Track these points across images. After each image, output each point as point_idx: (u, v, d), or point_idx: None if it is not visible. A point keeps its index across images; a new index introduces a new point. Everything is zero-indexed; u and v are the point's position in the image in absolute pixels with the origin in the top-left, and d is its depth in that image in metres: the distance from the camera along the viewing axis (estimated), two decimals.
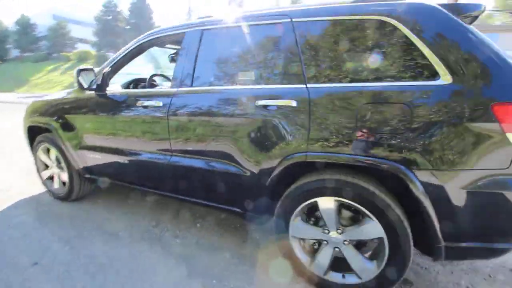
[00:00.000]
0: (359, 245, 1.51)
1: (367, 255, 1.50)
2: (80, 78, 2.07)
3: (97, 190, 2.91)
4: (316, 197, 1.46)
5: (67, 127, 2.40)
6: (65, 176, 2.64)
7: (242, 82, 1.67)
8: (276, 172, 1.52)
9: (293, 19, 1.53)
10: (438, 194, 1.23)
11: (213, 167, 1.75)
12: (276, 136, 1.50)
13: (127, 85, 2.52)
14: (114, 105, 2.13)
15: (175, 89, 1.84)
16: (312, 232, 1.55)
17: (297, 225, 1.57)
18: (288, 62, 1.52)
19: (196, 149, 1.77)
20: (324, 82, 1.42)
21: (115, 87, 2.35)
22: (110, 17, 32.71)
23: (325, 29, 1.46)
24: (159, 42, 2.10)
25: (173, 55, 2.77)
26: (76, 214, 2.52)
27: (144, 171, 2.09)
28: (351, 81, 1.37)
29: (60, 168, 2.70)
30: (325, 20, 1.47)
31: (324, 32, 1.46)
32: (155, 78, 2.71)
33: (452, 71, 1.21)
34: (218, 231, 2.25)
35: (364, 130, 1.30)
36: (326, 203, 1.45)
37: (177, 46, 2.60)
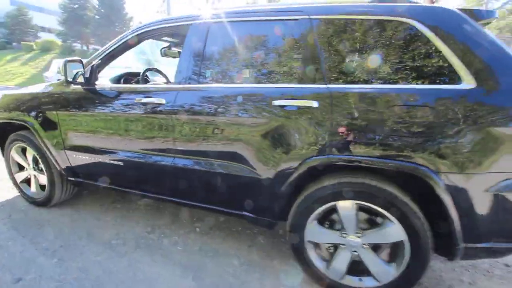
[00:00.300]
0: (375, 248, 1.49)
1: (383, 257, 1.49)
2: (67, 70, 1.85)
3: (78, 194, 2.66)
4: (335, 200, 1.42)
5: (48, 124, 2.15)
6: (44, 179, 2.38)
7: (256, 80, 1.58)
8: (294, 175, 1.46)
9: (311, 16, 1.47)
10: (462, 197, 1.24)
11: (222, 170, 1.64)
12: (294, 138, 1.44)
13: (117, 80, 2.31)
14: (106, 101, 1.93)
15: (180, 86, 1.70)
16: (329, 236, 1.52)
17: (314, 230, 1.52)
18: (307, 60, 1.46)
19: (203, 151, 1.65)
20: (345, 83, 1.38)
21: (104, 81, 2.15)
22: (77, 5, 30.58)
23: (346, 29, 1.41)
24: (157, 33, 1.94)
25: (165, 49, 2.60)
26: (59, 221, 2.28)
27: (142, 174, 1.93)
28: (373, 83, 1.35)
29: (38, 169, 2.43)
30: (346, 19, 1.42)
31: (345, 32, 1.41)
32: (147, 73, 2.51)
33: (475, 75, 1.22)
34: (220, 235, 2.15)
35: (389, 133, 1.28)
36: (346, 207, 1.42)
37: (173, 40, 2.45)
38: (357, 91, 1.34)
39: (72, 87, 2.06)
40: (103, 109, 1.93)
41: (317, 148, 1.39)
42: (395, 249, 1.44)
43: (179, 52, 2.71)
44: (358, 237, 1.45)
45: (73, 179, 2.26)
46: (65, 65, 1.83)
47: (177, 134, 1.69)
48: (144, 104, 1.77)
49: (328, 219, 1.56)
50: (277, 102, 1.45)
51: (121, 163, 1.94)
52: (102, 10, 30.72)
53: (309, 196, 1.47)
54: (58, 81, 2.24)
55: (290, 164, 1.46)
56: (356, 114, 1.32)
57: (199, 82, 1.67)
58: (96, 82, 2.02)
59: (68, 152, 2.14)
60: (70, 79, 1.89)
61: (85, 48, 31.48)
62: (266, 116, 1.48)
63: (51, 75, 18.24)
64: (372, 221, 1.48)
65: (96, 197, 2.72)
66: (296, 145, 1.44)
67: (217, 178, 1.66)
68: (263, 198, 1.60)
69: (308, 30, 1.46)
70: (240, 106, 1.53)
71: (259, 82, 1.57)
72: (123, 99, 1.88)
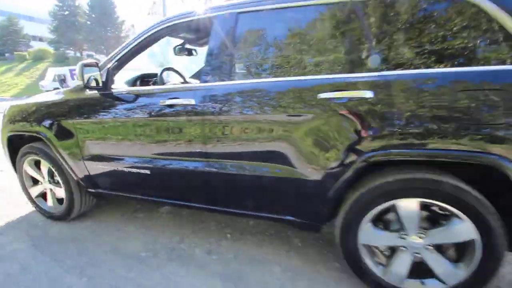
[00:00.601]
0: (438, 248, 1.37)
1: (448, 258, 1.37)
2: (85, 74, 1.70)
3: (96, 205, 2.52)
4: (396, 198, 1.30)
5: (64, 134, 2.01)
6: (61, 192, 2.25)
7: (297, 72, 1.45)
8: (347, 174, 1.33)
9: None
10: None
11: (263, 173, 1.51)
12: (347, 134, 1.31)
13: (133, 82, 2.16)
14: (127, 106, 1.79)
15: (210, 84, 1.57)
16: (387, 238, 1.40)
17: (369, 232, 1.40)
18: (355, 46, 1.32)
19: (241, 153, 1.52)
20: (403, 69, 1.24)
21: (119, 85, 2.01)
22: (67, 12, 30.21)
23: (398, 8, 1.28)
24: (177, 29, 1.80)
25: (179, 47, 2.46)
26: (80, 236, 2.15)
27: (171, 181, 1.79)
28: (435, 67, 1.21)
29: (54, 182, 2.29)
30: None
31: (397, 12, 1.28)
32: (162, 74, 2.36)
33: None
34: (253, 240, 2.03)
35: (458, 122, 1.15)
36: (408, 205, 1.30)
37: (189, 36, 2.30)
38: (418, 77, 1.20)
39: (87, 93, 1.92)
40: (124, 114, 1.79)
41: (374, 143, 1.26)
42: (462, 248, 1.32)
43: (190, 50, 2.57)
44: (421, 237, 1.33)
45: (93, 190, 2.12)
46: (81, 69, 1.69)
47: (210, 136, 1.56)
48: (170, 106, 1.63)
49: (382, 220, 1.44)
50: (323, 95, 1.32)
51: (147, 171, 1.80)
52: (93, 15, 30.39)
53: (364, 195, 1.34)
54: (66, 88, 2.10)
55: (342, 163, 1.33)
56: (419, 103, 1.18)
57: (232, 78, 1.54)
58: (113, 86, 1.89)
59: (87, 162, 2.01)
60: (88, 84, 1.74)
61: (78, 54, 31.19)
62: (311, 111, 1.34)
63: (47, 83, 18.03)
64: (433, 220, 1.36)
65: (114, 206, 2.59)
66: (349, 142, 1.30)
67: (257, 182, 1.53)
68: (310, 200, 1.47)
69: (353, 12, 1.32)
70: (281, 101, 1.40)
71: (301, 74, 1.43)
72: (145, 102, 1.74)
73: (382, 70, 1.27)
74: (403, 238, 1.36)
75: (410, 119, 1.20)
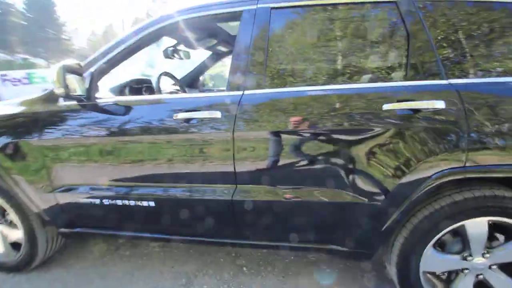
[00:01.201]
0: (503, 267, 1.27)
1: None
2: (68, 79, 1.27)
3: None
4: (467, 219, 1.16)
5: (26, 159, 1.51)
6: (17, 234, 1.71)
7: (351, 79, 1.25)
8: (413, 197, 1.15)
9: None
10: None
11: (311, 199, 1.26)
12: (416, 150, 1.13)
13: (120, 90, 1.75)
14: (120, 121, 1.39)
15: (239, 92, 1.27)
16: (451, 262, 1.26)
17: (431, 257, 1.25)
18: (416, 51, 1.16)
19: (286, 176, 1.25)
20: (475, 76, 1.12)
21: (104, 93, 1.60)
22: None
23: (464, 9, 1.16)
24: (185, 26, 1.47)
25: (172, 48, 2.10)
26: None
27: (182, 214, 1.42)
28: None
29: (6, 222, 1.73)
30: None
31: (463, 13, 1.16)
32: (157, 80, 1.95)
33: None
34: (275, 273, 1.75)
35: None
36: (478, 225, 1.17)
37: (198, 34, 1.93)
38: (497, 86, 1.08)
39: (61, 104, 1.47)
40: (117, 132, 1.38)
41: (448, 160, 1.11)
42: None
43: (180, 52, 2.22)
44: (485, 257, 1.21)
45: (66, 230, 1.63)
46: (63, 73, 1.25)
47: (240, 158, 1.26)
48: (188, 120, 1.29)
49: (438, 242, 1.29)
50: (388, 106, 1.13)
51: (151, 203, 1.41)
52: (30, 15, 27.16)
53: (431, 217, 1.18)
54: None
55: (408, 184, 1.15)
56: (498, 114, 1.06)
57: (264, 86, 1.27)
58: (97, 95, 1.48)
59: (60, 194, 1.53)
60: (75, 92, 1.31)
61: (10, 58, 27.43)
62: (373, 125, 1.14)
63: None
64: (493, 237, 1.26)
65: (88, 244, 2.08)
66: (418, 159, 1.13)
67: (304, 210, 1.28)
68: (365, 227, 1.26)
69: (412, 13, 1.17)
70: (337, 113, 1.17)
71: (362, 81, 1.23)
72: (152, 116, 1.37)
73: (447, 78, 1.13)
74: (467, 260, 1.23)
75: (488, 132, 1.07)
